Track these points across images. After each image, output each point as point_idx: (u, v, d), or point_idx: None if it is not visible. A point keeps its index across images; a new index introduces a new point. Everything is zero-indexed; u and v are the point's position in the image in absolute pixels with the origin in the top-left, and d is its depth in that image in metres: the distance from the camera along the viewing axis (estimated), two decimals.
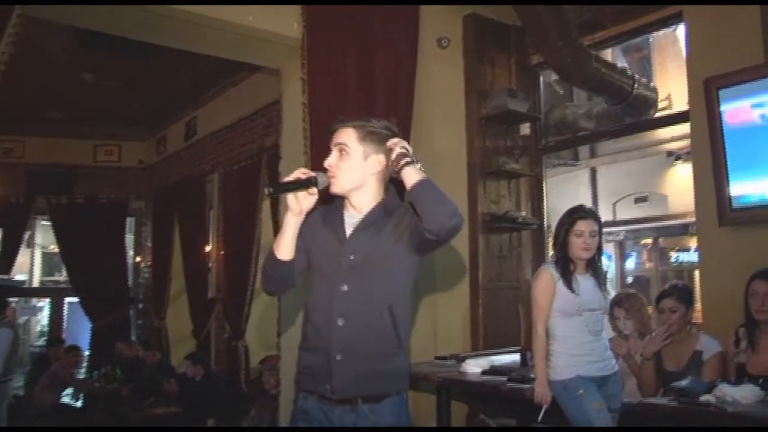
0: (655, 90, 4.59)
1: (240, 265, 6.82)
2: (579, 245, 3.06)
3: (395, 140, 2.14)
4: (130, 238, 10.05)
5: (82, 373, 8.08)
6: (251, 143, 7.15)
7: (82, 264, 9.02)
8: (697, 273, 9.02)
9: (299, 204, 2.14)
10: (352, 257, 2.14)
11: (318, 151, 4.42)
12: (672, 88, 5.62)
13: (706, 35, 3.72)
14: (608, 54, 4.94)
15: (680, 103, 5.04)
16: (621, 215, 8.91)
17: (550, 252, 4.97)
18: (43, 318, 12.61)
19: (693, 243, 9.33)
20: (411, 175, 2.02)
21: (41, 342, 11.93)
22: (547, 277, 3.13)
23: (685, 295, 3.36)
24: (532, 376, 3.32)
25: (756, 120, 3.43)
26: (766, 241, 3.42)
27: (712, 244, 3.68)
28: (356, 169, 2.17)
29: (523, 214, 4.86)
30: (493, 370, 3.65)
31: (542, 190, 5.04)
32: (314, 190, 2.13)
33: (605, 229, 3.43)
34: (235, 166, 7.26)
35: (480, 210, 4.70)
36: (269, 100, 6.69)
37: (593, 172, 8.93)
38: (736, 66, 3.50)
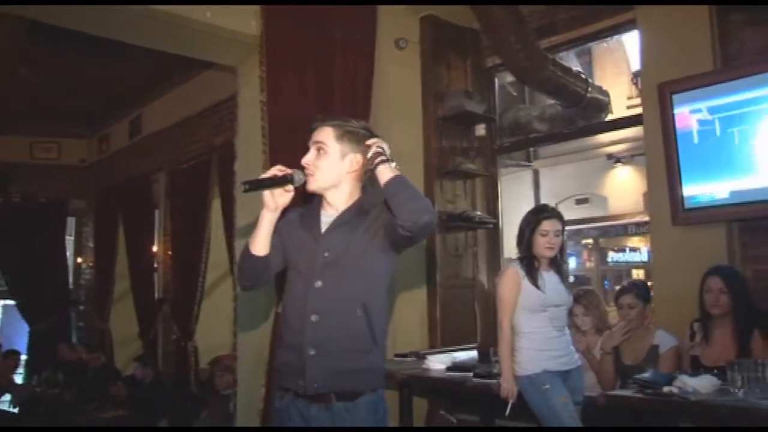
0: (607, 94, 4.74)
1: (189, 265, 6.73)
2: (544, 244, 3.15)
3: (373, 140, 2.18)
4: (70, 239, 9.73)
5: (19, 378, 7.80)
6: (200, 142, 7.04)
7: (18, 266, 8.69)
8: (634, 272, 9.43)
9: (275, 201, 2.17)
10: (326, 254, 2.17)
11: (277, 150, 4.40)
12: (611, 93, 5.80)
13: (659, 42, 3.86)
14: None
15: (619, 108, 5.22)
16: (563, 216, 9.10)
17: (505, 251, 5.10)
18: None
19: (631, 243, 9.69)
20: (385, 173, 2.07)
21: None
22: (513, 274, 3.20)
23: (643, 292, 3.50)
24: (496, 371, 3.39)
25: (707, 124, 3.58)
26: (715, 239, 3.58)
27: (664, 243, 3.83)
28: (333, 168, 2.20)
29: (479, 213, 4.93)
30: (457, 367, 3.69)
31: (497, 189, 5.13)
32: (290, 187, 2.17)
33: None
34: (184, 165, 7.16)
35: (437, 209, 4.73)
36: (219, 98, 6.62)
37: (536, 174, 9.11)
38: (687, 72, 3.65)
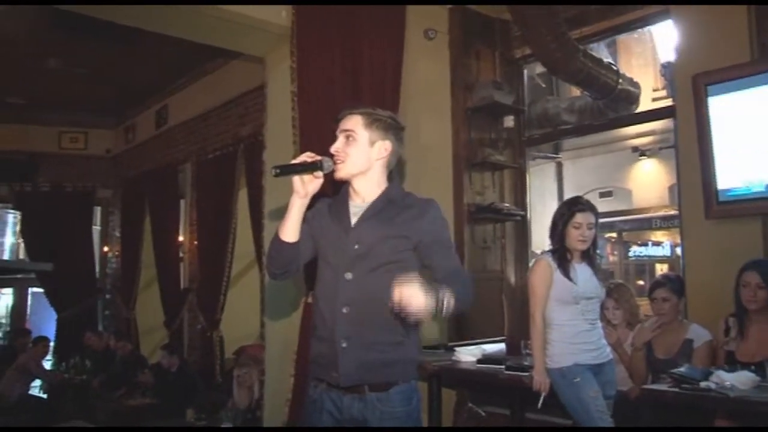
0: (638, 86, 4.69)
1: (215, 255, 6.78)
2: (577, 236, 3.13)
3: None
4: (96, 229, 9.83)
5: (48, 365, 7.92)
6: (226, 132, 7.08)
7: (46, 254, 8.79)
8: (657, 266, 9.35)
9: (305, 187, 2.17)
10: (356, 246, 2.17)
11: (307, 139, 4.41)
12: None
13: (694, 32, 3.81)
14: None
15: (644, 100, 5.17)
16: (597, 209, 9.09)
17: (533, 243, 5.08)
18: (1, 308, 12.27)
19: (654, 237, 9.61)
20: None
21: None
22: (545, 266, 3.19)
23: (677, 285, 3.47)
24: (527, 364, 3.39)
25: (743, 116, 3.53)
26: (750, 233, 3.54)
27: (697, 237, 3.79)
28: (362, 154, 2.22)
29: (507, 205, 4.92)
30: (488, 359, 3.69)
31: (525, 181, 5.11)
32: (320, 173, 2.17)
33: None
34: (210, 156, 7.19)
35: (465, 201, 4.74)
36: (245, 88, 6.64)
37: (559, 166, 9.06)
38: (722, 63, 3.60)
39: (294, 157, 2.24)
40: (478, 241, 4.81)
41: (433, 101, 4.81)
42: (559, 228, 3.18)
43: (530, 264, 4.66)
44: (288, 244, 2.21)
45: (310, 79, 4.53)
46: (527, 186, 5.12)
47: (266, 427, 4.85)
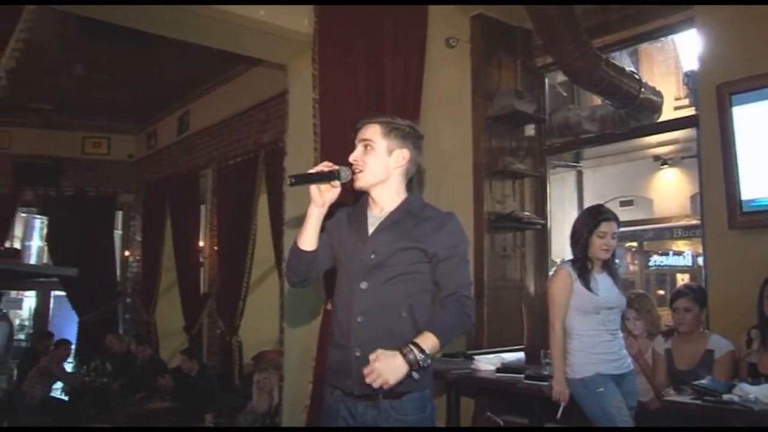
0: (660, 95, 4.66)
1: (235, 260, 6.82)
2: (601, 246, 3.12)
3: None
4: (117, 233, 9.94)
5: (69, 367, 8.00)
6: (247, 139, 7.12)
7: (69, 257, 8.89)
8: (678, 276, 9.26)
9: (322, 196, 2.19)
10: (372, 256, 2.18)
11: (328, 147, 4.45)
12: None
13: (719, 41, 3.79)
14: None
15: (667, 109, 5.14)
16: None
17: (553, 251, 5.06)
18: (24, 311, 12.44)
19: (675, 247, 9.52)
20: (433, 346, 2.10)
21: (22, 336, 11.77)
22: (565, 275, 3.18)
23: (699, 295, 3.44)
24: (547, 373, 3.37)
25: (767, 126, 3.50)
26: None
27: (720, 247, 3.75)
28: (381, 163, 2.23)
29: (527, 213, 4.90)
30: (507, 368, 3.68)
31: (546, 190, 5.09)
32: (337, 183, 2.18)
33: None
34: (231, 162, 7.24)
35: (485, 209, 4.73)
36: (267, 95, 6.69)
37: (579, 175, 9.01)
38: (747, 73, 3.57)
39: (314, 165, 2.26)
40: (497, 250, 4.79)
41: (454, 109, 4.81)
42: (584, 237, 3.16)
43: (550, 273, 4.66)
44: (306, 252, 2.24)
45: (332, 87, 4.56)
46: (548, 195, 5.10)
47: (283, 426, 4.88)
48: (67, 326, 9.40)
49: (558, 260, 5.12)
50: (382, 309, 2.15)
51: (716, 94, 3.65)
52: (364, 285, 2.17)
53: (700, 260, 5.30)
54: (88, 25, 5.75)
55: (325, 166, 2.20)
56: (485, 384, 3.84)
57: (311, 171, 2.20)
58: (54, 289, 10.21)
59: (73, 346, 8.23)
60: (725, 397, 2.66)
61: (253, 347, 6.71)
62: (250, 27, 4.60)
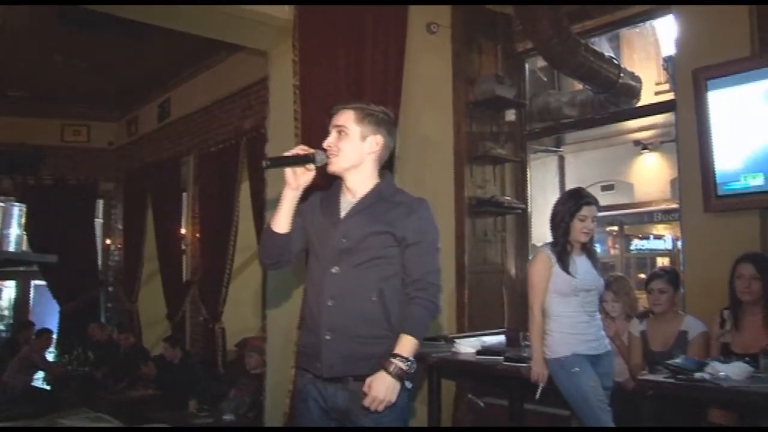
0: (639, 80, 4.71)
1: (217, 247, 6.80)
2: (581, 229, 3.17)
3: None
4: (98, 221, 9.87)
5: (51, 356, 7.97)
6: (229, 125, 7.10)
7: (50, 246, 8.82)
8: (659, 260, 9.37)
9: (297, 179, 2.23)
10: (343, 240, 2.21)
11: (309, 133, 4.44)
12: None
13: (695, 27, 3.82)
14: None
15: (647, 94, 5.20)
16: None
17: (534, 236, 5.10)
18: (4, 301, 12.34)
19: (656, 231, 9.63)
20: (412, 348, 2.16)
21: (2, 326, 11.68)
22: (544, 258, 3.23)
23: (673, 277, 3.51)
24: (526, 355, 3.42)
25: (742, 110, 3.55)
26: (748, 226, 3.56)
27: (696, 230, 3.81)
28: (354, 149, 2.26)
29: (508, 198, 4.94)
30: (487, 350, 3.73)
31: (526, 175, 5.13)
32: (312, 166, 2.22)
33: None
34: (213, 148, 7.21)
35: (466, 194, 4.76)
36: (248, 81, 6.67)
37: (561, 160, 9.08)
38: (723, 58, 3.62)
39: None
40: (479, 234, 4.83)
41: (434, 95, 4.82)
42: (565, 220, 3.19)
43: (530, 257, 4.70)
44: (279, 234, 2.28)
45: (312, 73, 4.56)
46: (528, 179, 5.14)
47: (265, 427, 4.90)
48: (49, 316, 9.34)
49: (539, 244, 5.17)
50: (353, 293, 2.18)
51: (692, 79, 3.69)
52: (335, 269, 2.20)
53: (680, 244, 5.37)
54: (66, 12, 5.71)
55: (300, 150, 2.23)
56: (466, 366, 3.89)
57: (287, 154, 2.24)
58: (34, 279, 10.11)
59: (54, 336, 8.21)
60: (697, 375, 2.71)
61: (236, 334, 6.71)
62: (231, 14, 4.59)
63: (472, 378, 4.30)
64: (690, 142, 3.76)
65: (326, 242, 2.24)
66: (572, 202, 3.22)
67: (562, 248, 3.19)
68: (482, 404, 4.23)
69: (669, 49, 5.06)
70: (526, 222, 5.09)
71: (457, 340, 4.02)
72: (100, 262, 9.60)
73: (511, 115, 5.09)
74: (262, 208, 5.32)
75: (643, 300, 4.00)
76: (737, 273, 3.19)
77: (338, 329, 2.16)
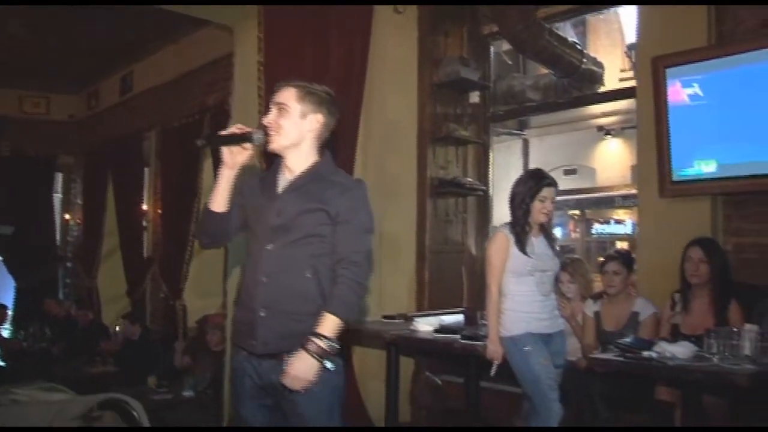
0: (601, 66, 4.78)
1: (179, 224, 6.74)
2: (541, 209, 3.21)
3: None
4: (57, 196, 9.70)
5: (6, 333, 7.85)
6: (193, 101, 7.00)
7: (6, 220, 8.65)
8: (618, 244, 9.54)
9: (233, 158, 2.23)
10: (278, 217, 2.22)
11: None
12: (604, 65, 5.84)
13: (656, 16, 3.88)
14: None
15: (611, 80, 5.27)
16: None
17: (495, 217, 5.17)
18: None
19: (616, 215, 9.78)
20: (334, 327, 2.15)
21: None
22: (502, 238, 3.27)
23: (627, 260, 3.62)
24: (483, 333, 3.48)
25: (699, 99, 3.63)
26: (700, 212, 3.66)
27: (651, 215, 3.90)
28: (294, 127, 2.25)
29: (470, 180, 4.99)
30: (444, 329, 3.78)
31: (488, 157, 5.18)
32: (248, 145, 2.21)
33: None
34: (176, 124, 7.11)
35: (429, 174, 4.81)
36: (213, 57, 6.57)
37: (525, 143, 9.14)
38: (682, 47, 3.68)
39: (259, 128, 2.27)
40: (440, 214, 4.88)
41: (400, 76, 4.83)
42: (526, 201, 3.22)
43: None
44: (217, 213, 2.28)
45: (277, 50, 4.54)
46: (490, 162, 5.19)
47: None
48: (4, 291, 9.14)
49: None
50: (287, 270, 2.19)
51: (651, 66, 3.76)
52: (270, 246, 2.21)
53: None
54: None
55: (237, 128, 2.24)
56: (423, 344, 3.94)
57: (223, 132, 2.25)
58: None
59: (10, 312, 8.08)
60: (645, 354, 2.80)
61: (197, 311, 6.68)
62: None
63: (430, 356, 4.36)
64: (648, 129, 3.83)
65: (262, 219, 2.25)
66: (533, 182, 3.25)
67: (521, 228, 3.23)
68: (439, 381, 4.30)
69: (633, 36, 5.16)
70: (488, 203, 5.15)
71: (416, 319, 4.06)
72: (58, 237, 9.44)
73: (475, 97, 5.12)
74: None
75: (599, 283, 4.09)
76: (686, 256, 3.30)
77: (272, 306, 2.17)
